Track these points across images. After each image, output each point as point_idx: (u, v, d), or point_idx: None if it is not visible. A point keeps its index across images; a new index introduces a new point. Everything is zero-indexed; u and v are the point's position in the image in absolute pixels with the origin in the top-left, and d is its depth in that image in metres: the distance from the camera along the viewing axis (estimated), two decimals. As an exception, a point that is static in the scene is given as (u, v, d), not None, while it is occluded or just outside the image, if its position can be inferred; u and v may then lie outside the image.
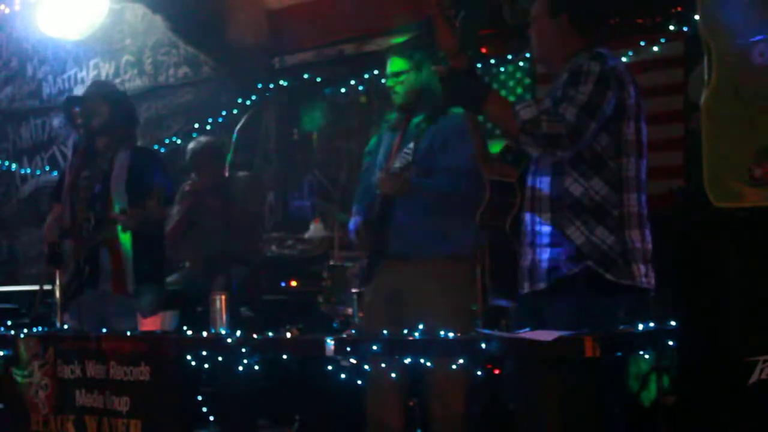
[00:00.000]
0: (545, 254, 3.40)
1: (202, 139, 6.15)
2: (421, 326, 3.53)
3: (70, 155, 5.19)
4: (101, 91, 5.04)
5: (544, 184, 3.44)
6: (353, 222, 4.36)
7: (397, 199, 4.17)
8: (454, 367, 3.53)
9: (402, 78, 4.30)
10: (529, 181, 3.52)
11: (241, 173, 5.96)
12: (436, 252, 4.15)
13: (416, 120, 4.29)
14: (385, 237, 4.21)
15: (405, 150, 4.25)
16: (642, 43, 5.54)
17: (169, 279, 5.62)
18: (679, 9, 5.42)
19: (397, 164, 4.20)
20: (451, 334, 3.20)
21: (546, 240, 3.41)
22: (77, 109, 4.94)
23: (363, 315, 4.12)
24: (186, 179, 6.08)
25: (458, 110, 4.04)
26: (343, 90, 6.93)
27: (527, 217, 3.51)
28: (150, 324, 4.17)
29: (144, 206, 4.49)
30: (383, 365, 3.80)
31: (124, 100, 5.10)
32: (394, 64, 4.34)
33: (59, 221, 4.91)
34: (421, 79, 4.29)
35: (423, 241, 4.14)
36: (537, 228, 3.44)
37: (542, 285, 3.41)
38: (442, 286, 4.11)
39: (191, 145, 6.06)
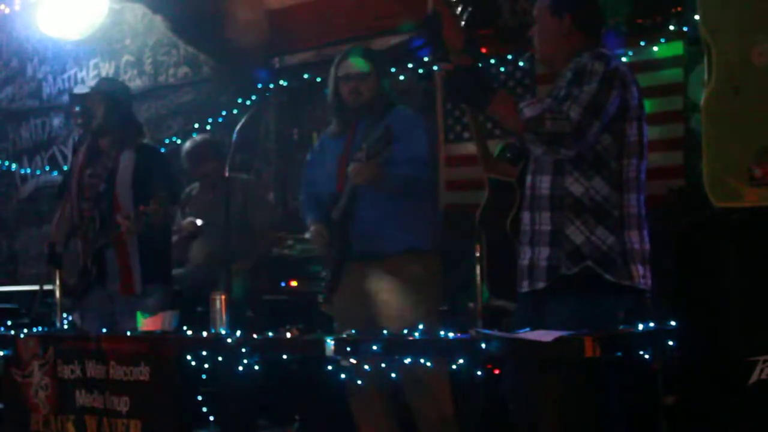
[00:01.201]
0: (544, 253, 3.39)
1: (198, 138, 6.12)
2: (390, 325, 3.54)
3: (70, 155, 5.18)
4: (101, 89, 5.00)
5: (544, 182, 3.43)
6: (310, 229, 4.36)
7: (360, 196, 4.16)
8: (454, 368, 3.52)
9: (366, 80, 4.30)
10: (529, 179, 3.52)
11: (243, 177, 5.94)
12: (398, 248, 4.16)
13: (364, 120, 4.29)
14: (348, 237, 4.22)
15: (359, 144, 4.23)
16: (642, 43, 5.54)
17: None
18: (679, 9, 5.41)
19: (361, 153, 4.14)
20: (450, 334, 3.20)
21: (545, 239, 3.40)
22: (77, 109, 4.93)
23: (335, 319, 4.13)
24: (186, 180, 6.07)
25: (404, 105, 4.09)
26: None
27: (527, 215, 3.50)
28: (150, 324, 4.16)
29: (147, 210, 4.49)
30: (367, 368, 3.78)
31: (122, 101, 5.04)
32: (359, 65, 4.32)
33: (65, 220, 4.91)
34: (381, 83, 4.32)
35: (386, 237, 4.15)
36: (536, 227, 3.44)
37: (541, 284, 3.40)
38: (405, 282, 4.13)
39: (185, 145, 6.04)
